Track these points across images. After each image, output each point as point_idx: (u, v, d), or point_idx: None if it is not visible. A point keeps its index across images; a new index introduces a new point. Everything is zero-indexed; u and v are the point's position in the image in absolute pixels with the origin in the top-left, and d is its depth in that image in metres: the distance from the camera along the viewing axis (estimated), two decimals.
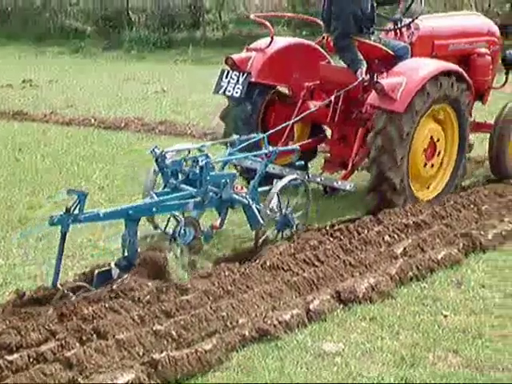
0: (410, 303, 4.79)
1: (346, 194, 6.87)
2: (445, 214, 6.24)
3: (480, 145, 8.16)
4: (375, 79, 6.70)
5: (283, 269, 5.02)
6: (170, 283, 4.68)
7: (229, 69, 7.22)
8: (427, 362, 4.05)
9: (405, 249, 5.51)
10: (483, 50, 7.61)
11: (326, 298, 4.68)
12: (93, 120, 10.88)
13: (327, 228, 5.92)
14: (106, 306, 4.33)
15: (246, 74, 7.09)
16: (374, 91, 6.37)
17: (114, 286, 4.56)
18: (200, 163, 5.39)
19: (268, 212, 5.54)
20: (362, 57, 6.90)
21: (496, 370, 3.97)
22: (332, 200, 7.05)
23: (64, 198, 4.91)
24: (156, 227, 5.68)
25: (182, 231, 5.22)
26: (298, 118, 6.90)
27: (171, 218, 5.55)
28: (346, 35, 6.92)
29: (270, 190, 5.64)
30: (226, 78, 7.16)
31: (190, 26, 21.10)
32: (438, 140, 6.71)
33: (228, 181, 5.53)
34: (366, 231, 5.77)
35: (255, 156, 6.13)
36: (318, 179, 6.73)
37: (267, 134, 6.33)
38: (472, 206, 6.50)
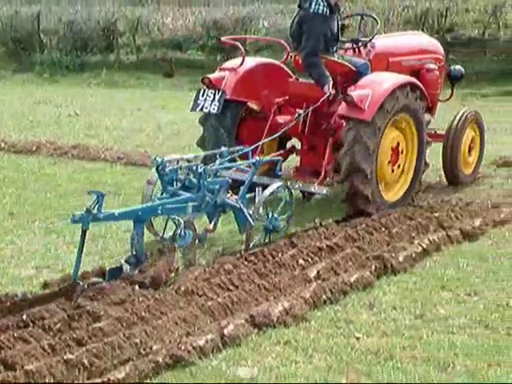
0: (323, 326, 4.83)
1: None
2: (357, 237, 6.34)
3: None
4: (340, 93, 7.37)
5: (198, 294, 5.00)
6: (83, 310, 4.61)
7: (205, 88, 7.75)
8: None
9: (318, 272, 5.56)
10: (431, 66, 8.41)
11: (241, 322, 4.67)
12: (3, 144, 10.62)
13: (242, 252, 5.94)
14: (15, 335, 4.20)
15: (221, 92, 7.66)
16: (343, 103, 7.01)
17: (24, 316, 4.45)
18: (199, 170, 5.89)
19: (257, 216, 6.06)
20: (328, 73, 7.47)
21: None
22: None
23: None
24: (155, 234, 6.22)
25: (182, 233, 5.60)
26: (277, 133, 7.44)
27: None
28: (314, 53, 7.48)
29: (254, 196, 6.19)
30: (203, 96, 7.72)
31: (104, 50, 20.96)
32: (401, 146, 7.39)
33: (222, 187, 6.03)
34: (280, 255, 5.81)
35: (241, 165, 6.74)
36: (297, 186, 7.32)
37: (253, 146, 7.00)
38: (383, 228, 6.63)
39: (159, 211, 5.65)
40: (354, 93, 6.95)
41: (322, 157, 7.42)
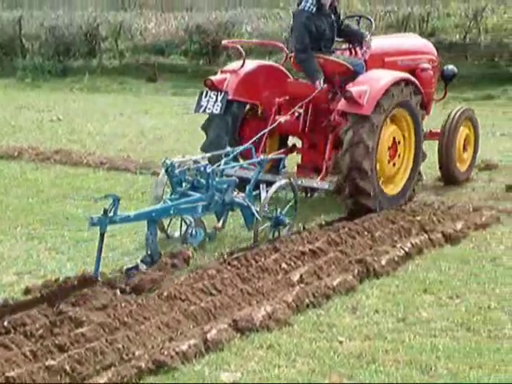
0: (306, 330, 4.83)
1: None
2: (340, 241, 6.36)
3: None
4: (338, 91, 7.68)
5: (180, 299, 4.99)
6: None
7: (207, 89, 7.98)
8: None
9: (301, 276, 5.56)
10: (426, 66, 8.68)
11: (224, 327, 4.67)
12: None
13: (225, 257, 5.94)
14: None
15: (223, 93, 7.92)
16: (343, 99, 7.29)
17: (5, 323, 4.42)
18: (207, 170, 6.09)
19: (263, 212, 6.28)
20: (319, 68, 7.80)
21: None
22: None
23: None
24: (166, 234, 6.42)
25: (194, 232, 5.93)
26: (272, 125, 7.74)
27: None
28: (302, 49, 7.81)
29: (259, 193, 6.43)
30: (206, 97, 7.97)
31: (86, 54, 20.89)
32: (399, 141, 7.66)
33: (229, 186, 6.28)
34: (263, 259, 5.81)
35: (248, 164, 6.95)
36: (300, 181, 7.51)
37: (251, 141, 7.16)
38: (366, 232, 6.64)
39: (172, 212, 5.86)
40: (353, 89, 7.20)
41: (323, 154, 7.72)
